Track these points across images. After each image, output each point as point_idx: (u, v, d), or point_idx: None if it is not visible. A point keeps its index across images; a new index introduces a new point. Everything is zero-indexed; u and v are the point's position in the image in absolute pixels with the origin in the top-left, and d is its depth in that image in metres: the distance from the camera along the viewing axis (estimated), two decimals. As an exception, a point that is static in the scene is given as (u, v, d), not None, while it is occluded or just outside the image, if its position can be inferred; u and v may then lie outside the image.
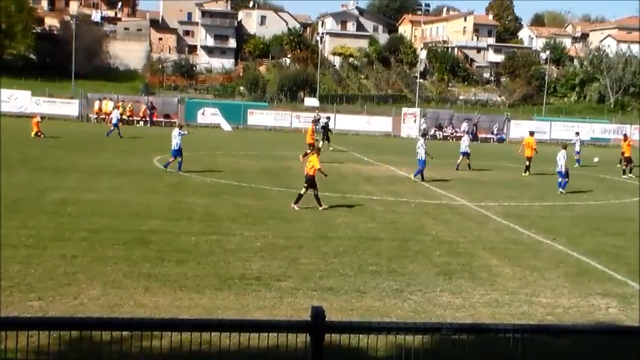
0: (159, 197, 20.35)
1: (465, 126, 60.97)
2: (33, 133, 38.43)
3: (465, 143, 33.21)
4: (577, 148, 38.64)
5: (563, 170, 26.22)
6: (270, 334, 4.40)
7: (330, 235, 16.21)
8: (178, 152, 26.31)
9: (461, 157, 33.07)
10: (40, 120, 39.87)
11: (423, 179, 27.39)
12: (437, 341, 5.35)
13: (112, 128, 42.92)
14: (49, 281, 11.24)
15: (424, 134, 33.52)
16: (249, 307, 10.61)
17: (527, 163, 32.42)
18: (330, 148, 39.08)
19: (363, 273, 12.88)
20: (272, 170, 29.24)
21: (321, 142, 37.24)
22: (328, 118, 43.11)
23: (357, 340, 4.68)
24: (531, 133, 34.64)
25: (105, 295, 10.75)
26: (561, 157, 26.36)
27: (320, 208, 19.34)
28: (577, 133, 42.97)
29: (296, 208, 19.31)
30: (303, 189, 19.61)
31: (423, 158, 27.26)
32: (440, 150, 38.27)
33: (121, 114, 49.40)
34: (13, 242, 13.58)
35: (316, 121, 41.71)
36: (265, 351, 4.61)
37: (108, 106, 56.18)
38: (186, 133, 27.89)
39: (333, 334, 4.27)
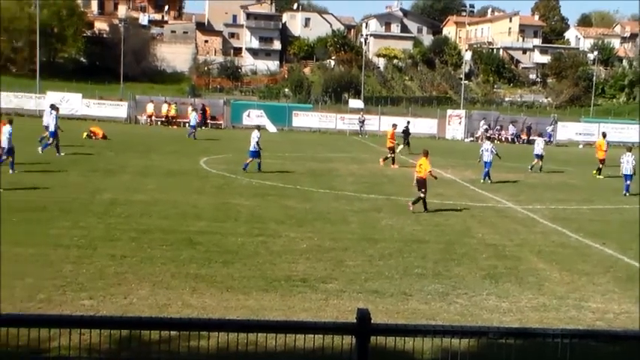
0: (206, 198, 20.60)
1: (512, 128, 60.37)
2: (85, 134, 39.15)
3: (539, 146, 33.80)
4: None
5: (630, 173, 25.99)
6: (315, 335, 4.44)
7: (376, 237, 16.20)
8: (256, 154, 26.95)
9: (535, 159, 33.50)
10: (101, 134, 39.79)
11: (488, 179, 27.97)
12: (483, 345, 5.32)
13: (192, 130, 44.19)
14: (99, 281, 11.50)
15: (489, 137, 33.78)
16: (295, 308, 10.69)
17: (600, 165, 32.65)
18: (400, 148, 38.19)
19: (408, 276, 12.85)
20: (317, 172, 29.31)
21: (401, 146, 37.55)
22: (408, 122, 43.04)
23: (403, 343, 4.68)
24: (604, 135, 35.23)
25: (153, 295, 10.95)
26: (630, 159, 26.10)
27: (423, 211, 19.70)
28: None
29: (426, 212, 19.76)
30: (422, 194, 19.84)
31: (490, 160, 27.87)
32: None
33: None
34: (65, 242, 13.93)
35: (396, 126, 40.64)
36: (310, 352, 4.64)
37: (172, 109, 57.29)
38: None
39: (378, 337, 4.29)
